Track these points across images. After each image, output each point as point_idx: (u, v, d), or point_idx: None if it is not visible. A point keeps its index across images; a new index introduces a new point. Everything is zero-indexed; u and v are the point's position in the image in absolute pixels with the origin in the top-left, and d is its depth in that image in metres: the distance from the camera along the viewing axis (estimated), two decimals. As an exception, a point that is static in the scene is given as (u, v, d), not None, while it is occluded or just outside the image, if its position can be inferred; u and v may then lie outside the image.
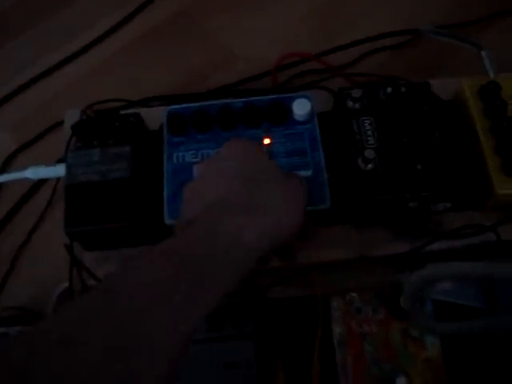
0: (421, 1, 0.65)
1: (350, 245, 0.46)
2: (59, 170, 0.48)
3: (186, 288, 0.28)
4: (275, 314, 0.47)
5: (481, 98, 0.47)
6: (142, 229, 0.44)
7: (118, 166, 0.44)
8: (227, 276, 0.31)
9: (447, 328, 0.38)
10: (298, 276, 0.46)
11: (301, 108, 0.46)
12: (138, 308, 0.27)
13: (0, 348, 0.26)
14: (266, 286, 0.46)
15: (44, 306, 0.48)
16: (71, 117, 0.50)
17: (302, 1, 0.67)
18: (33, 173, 0.49)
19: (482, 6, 0.63)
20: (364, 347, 0.45)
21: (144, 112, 0.50)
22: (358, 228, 0.46)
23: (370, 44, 0.61)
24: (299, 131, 0.46)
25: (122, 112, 0.50)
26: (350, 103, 0.47)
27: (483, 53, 0.54)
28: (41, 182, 0.56)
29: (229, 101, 0.48)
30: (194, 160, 0.45)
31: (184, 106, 0.48)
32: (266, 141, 0.46)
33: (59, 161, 0.52)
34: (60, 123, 0.56)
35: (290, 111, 0.47)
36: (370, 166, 0.43)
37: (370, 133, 0.45)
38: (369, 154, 0.43)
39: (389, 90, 0.47)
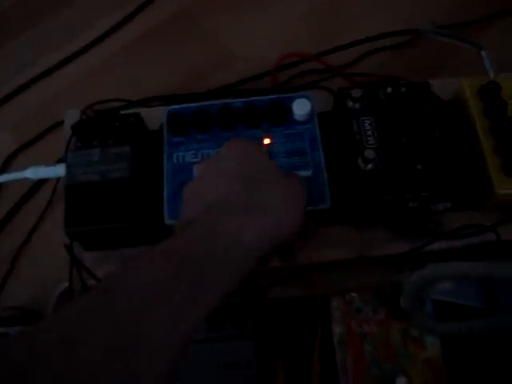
0: (421, 1, 0.65)
1: (350, 245, 0.45)
2: (59, 170, 0.48)
3: (186, 288, 0.28)
4: (275, 314, 0.47)
5: (481, 98, 0.47)
6: (141, 229, 0.44)
7: (118, 166, 0.44)
8: (227, 276, 0.31)
9: (447, 328, 0.38)
10: (297, 276, 0.46)
11: (301, 108, 0.46)
12: (138, 308, 0.27)
13: (0, 348, 0.26)
14: (266, 286, 0.46)
15: (44, 306, 0.48)
16: (71, 117, 0.50)
17: (301, 1, 0.67)
18: (33, 173, 0.49)
19: (482, 5, 0.63)
20: (364, 347, 0.45)
21: (144, 112, 0.50)
22: (358, 228, 0.46)
23: (370, 44, 0.61)
24: (299, 131, 0.46)
25: (122, 112, 0.50)
26: (350, 103, 0.47)
27: (483, 53, 0.54)
28: (41, 182, 0.56)
29: (229, 101, 0.48)
30: (194, 160, 0.45)
31: (184, 105, 0.48)
32: (266, 141, 0.46)
33: (59, 161, 0.52)
34: (60, 123, 0.56)
35: (290, 111, 0.47)
36: (369, 165, 0.43)
37: (369, 133, 0.45)
38: (369, 154, 0.43)
39: (389, 90, 0.47)
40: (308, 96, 0.47)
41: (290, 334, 0.46)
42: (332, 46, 0.61)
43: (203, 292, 0.29)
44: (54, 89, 0.62)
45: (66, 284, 0.46)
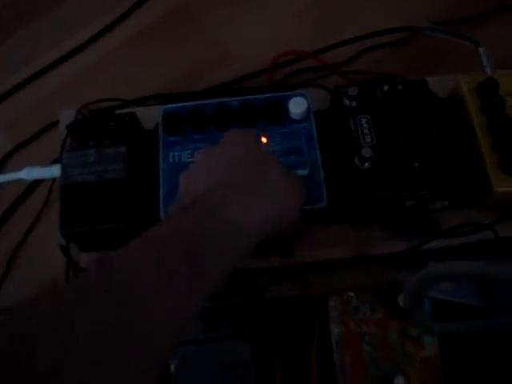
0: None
1: (347, 243, 0.45)
2: (54, 171, 0.47)
3: (186, 269, 0.28)
4: (272, 314, 0.47)
5: (478, 95, 0.46)
6: (138, 229, 0.43)
7: (114, 166, 0.44)
8: (227, 257, 0.30)
9: (445, 328, 0.37)
10: (295, 275, 0.45)
11: (297, 106, 0.46)
12: (139, 288, 0.26)
13: None
14: (263, 286, 0.46)
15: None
16: (66, 117, 0.50)
17: (298, -2, 0.66)
18: (28, 174, 0.49)
19: (480, 0, 0.63)
20: (362, 347, 0.45)
21: (139, 111, 0.49)
22: (355, 227, 0.46)
23: (367, 41, 0.60)
24: (296, 130, 0.46)
25: (118, 111, 0.50)
26: (347, 101, 0.47)
27: (481, 49, 0.54)
28: (36, 183, 0.55)
29: (225, 100, 0.48)
30: (190, 159, 0.45)
31: (180, 104, 0.47)
32: (263, 140, 0.46)
33: (54, 161, 0.51)
34: (55, 123, 0.56)
35: (287, 110, 0.46)
36: (366, 164, 0.43)
37: (366, 131, 0.45)
38: (366, 152, 0.43)
39: (385, 87, 0.47)
40: (304, 94, 0.47)
41: (288, 334, 0.46)
42: (328, 43, 0.60)
43: (203, 272, 0.29)
44: (48, 88, 0.61)
45: (62, 285, 0.45)
